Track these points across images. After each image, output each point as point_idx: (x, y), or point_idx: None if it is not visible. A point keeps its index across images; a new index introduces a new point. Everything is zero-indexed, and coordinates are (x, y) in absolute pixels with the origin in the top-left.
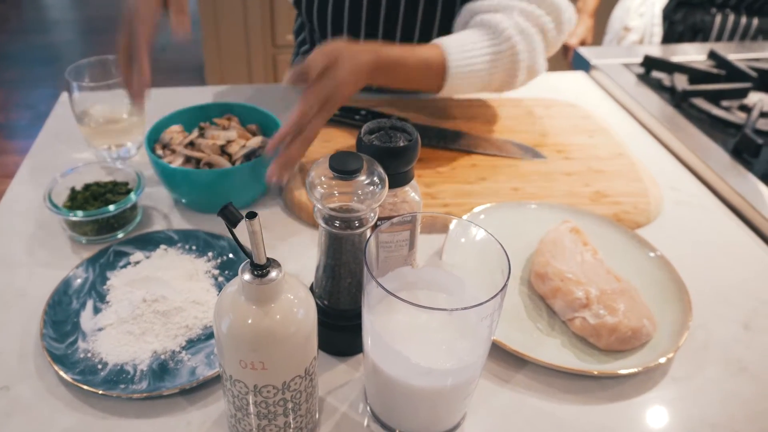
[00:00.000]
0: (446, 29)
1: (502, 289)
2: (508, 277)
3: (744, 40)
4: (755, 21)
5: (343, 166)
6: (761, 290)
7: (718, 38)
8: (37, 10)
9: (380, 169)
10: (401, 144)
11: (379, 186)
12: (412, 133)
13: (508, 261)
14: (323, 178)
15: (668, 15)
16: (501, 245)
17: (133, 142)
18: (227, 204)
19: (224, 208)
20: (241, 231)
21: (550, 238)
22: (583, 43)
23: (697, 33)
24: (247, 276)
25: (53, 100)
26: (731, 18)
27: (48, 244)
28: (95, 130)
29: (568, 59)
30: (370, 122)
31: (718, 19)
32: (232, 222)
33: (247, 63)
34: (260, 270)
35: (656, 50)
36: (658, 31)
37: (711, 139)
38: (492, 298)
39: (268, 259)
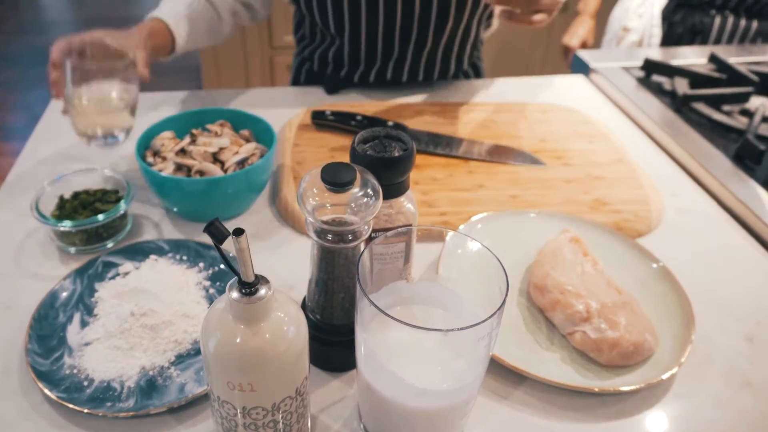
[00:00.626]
0: (445, 10)
1: (499, 308)
2: (506, 295)
3: (743, 43)
4: (755, 23)
5: (335, 178)
6: (764, 301)
7: (717, 40)
8: (35, 11)
9: (374, 181)
10: (396, 154)
11: (373, 198)
12: (407, 142)
13: (506, 278)
14: (315, 190)
15: (667, 16)
16: (499, 261)
17: (121, 129)
18: (213, 220)
19: (210, 225)
20: (231, 245)
21: (549, 248)
22: (584, 45)
23: (696, 34)
24: (234, 294)
25: (50, 102)
26: (731, 20)
27: (35, 253)
28: (83, 113)
29: (568, 61)
30: (363, 131)
31: (718, 20)
32: (218, 239)
33: (244, 64)
34: (248, 288)
35: (656, 53)
36: (657, 32)
37: (712, 145)
38: (489, 317)
39: (256, 276)
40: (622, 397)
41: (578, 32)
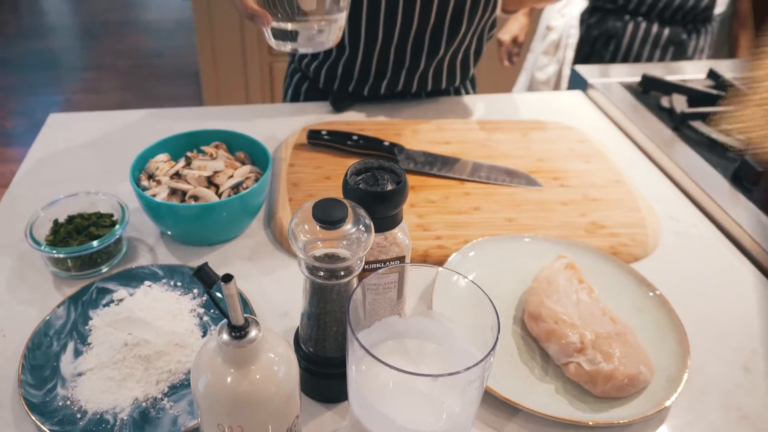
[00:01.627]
0: (459, 16)
1: (491, 351)
2: (497, 338)
3: (655, 48)
4: (666, 30)
5: (327, 216)
6: (761, 329)
7: (630, 44)
8: (35, 15)
9: (366, 216)
10: (389, 187)
11: (366, 233)
12: (400, 175)
13: (498, 320)
14: (306, 227)
15: (584, 19)
16: (490, 300)
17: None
18: (203, 265)
19: (200, 270)
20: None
21: (544, 275)
22: (515, 40)
23: (610, 38)
24: (224, 337)
25: (50, 107)
26: (643, 26)
27: (29, 279)
28: None
29: (500, 55)
30: (356, 163)
31: (631, 26)
32: (207, 283)
33: (243, 71)
34: (238, 332)
35: (654, 69)
36: (574, 32)
37: (710, 165)
38: (480, 361)
39: (246, 318)
40: (616, 429)
41: (511, 28)
